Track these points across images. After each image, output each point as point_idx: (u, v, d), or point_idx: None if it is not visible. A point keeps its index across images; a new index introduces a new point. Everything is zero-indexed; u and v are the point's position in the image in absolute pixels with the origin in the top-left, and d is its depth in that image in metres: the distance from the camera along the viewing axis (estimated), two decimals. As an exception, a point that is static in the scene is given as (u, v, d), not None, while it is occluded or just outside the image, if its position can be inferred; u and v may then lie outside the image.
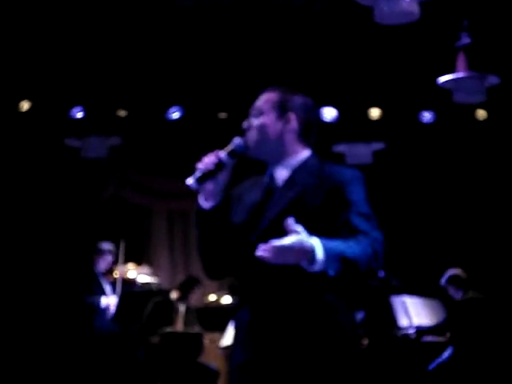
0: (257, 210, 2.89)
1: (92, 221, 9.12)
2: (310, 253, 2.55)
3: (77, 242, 8.91)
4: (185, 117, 8.24)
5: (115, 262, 8.26)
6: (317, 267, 2.56)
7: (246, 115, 3.03)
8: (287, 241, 2.52)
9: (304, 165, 2.94)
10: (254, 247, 2.62)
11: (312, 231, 2.65)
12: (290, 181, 2.90)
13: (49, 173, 8.66)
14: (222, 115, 8.39)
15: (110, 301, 7.97)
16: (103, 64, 7.47)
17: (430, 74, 7.27)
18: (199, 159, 2.90)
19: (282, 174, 2.93)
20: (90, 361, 7.83)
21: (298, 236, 2.54)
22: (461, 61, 6.88)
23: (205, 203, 2.87)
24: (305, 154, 2.97)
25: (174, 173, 9.12)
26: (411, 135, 8.87)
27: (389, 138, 8.86)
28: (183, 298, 8.02)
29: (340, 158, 8.79)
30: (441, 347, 7.99)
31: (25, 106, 7.87)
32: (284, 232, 2.61)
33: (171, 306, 7.94)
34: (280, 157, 2.94)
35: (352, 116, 8.33)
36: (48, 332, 8.43)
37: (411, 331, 7.99)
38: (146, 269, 8.38)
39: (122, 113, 8.14)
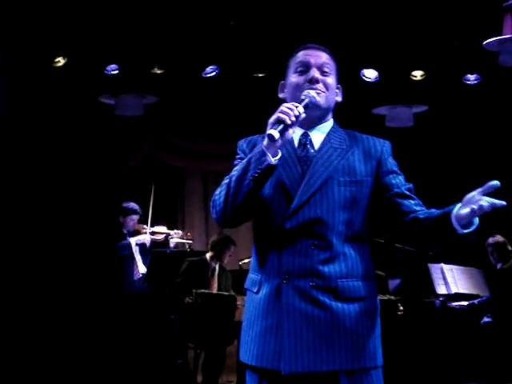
0: (296, 176, 2.79)
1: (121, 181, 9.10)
2: None
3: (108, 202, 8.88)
4: (221, 76, 8.11)
5: (143, 222, 8.23)
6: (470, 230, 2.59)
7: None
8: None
9: (334, 130, 2.89)
10: (296, 215, 2.70)
11: (357, 198, 2.75)
12: (327, 145, 2.83)
13: (82, 129, 8.59)
14: (259, 75, 8.24)
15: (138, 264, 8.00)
16: (140, 21, 7.35)
17: (475, 36, 7.07)
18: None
19: (317, 138, 2.86)
20: (122, 321, 7.85)
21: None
22: (507, 22, 6.68)
23: (271, 158, 2.64)
24: (332, 121, 2.93)
25: (209, 134, 9.03)
26: (455, 98, 8.66)
27: (431, 101, 8.66)
28: (216, 257, 7.95)
29: (380, 121, 8.63)
30: (479, 315, 7.91)
31: (60, 61, 7.77)
32: (330, 199, 2.70)
33: (206, 267, 7.90)
34: (320, 122, 2.88)
35: (393, 78, 8.13)
36: (80, 293, 8.43)
37: (457, 304, 7.91)
38: (176, 232, 8.33)
39: (158, 71, 8.02)
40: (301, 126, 2.83)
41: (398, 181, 2.82)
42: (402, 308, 7.51)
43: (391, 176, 2.82)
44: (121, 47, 7.72)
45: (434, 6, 7.20)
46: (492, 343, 7.61)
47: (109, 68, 7.87)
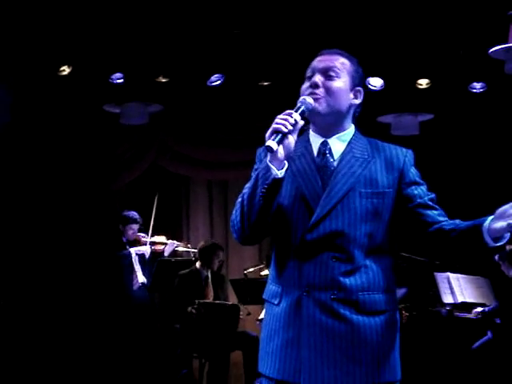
0: (316, 187, 2.73)
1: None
2: None
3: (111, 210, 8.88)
4: (226, 85, 8.10)
5: (143, 232, 8.24)
6: (502, 243, 2.57)
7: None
8: None
9: (356, 138, 2.81)
10: (317, 227, 2.66)
11: (379, 209, 2.71)
12: (348, 155, 2.77)
13: (87, 138, 8.59)
14: (264, 83, 8.23)
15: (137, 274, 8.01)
16: (144, 29, 7.35)
17: (481, 44, 7.05)
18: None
19: (337, 147, 2.79)
20: (124, 331, 7.85)
21: None
22: (513, 30, 6.65)
23: (276, 171, 2.59)
24: (353, 129, 2.85)
25: (214, 142, 9.02)
26: (461, 106, 8.64)
27: (437, 109, 8.64)
28: (206, 265, 7.92)
29: (385, 129, 8.61)
30: (486, 325, 7.86)
31: (65, 70, 7.77)
32: (352, 211, 2.66)
33: (198, 277, 7.87)
34: (338, 130, 2.80)
35: (399, 86, 8.11)
36: (81, 302, 8.42)
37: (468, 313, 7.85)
38: (172, 242, 8.35)
39: (163, 79, 8.01)
40: (319, 134, 2.80)
41: (421, 191, 2.78)
42: (406, 314, 7.48)
43: (413, 187, 2.78)
44: (126, 56, 7.71)
45: (439, 14, 7.18)
46: (499, 353, 7.57)
47: (113, 77, 7.85)
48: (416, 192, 2.77)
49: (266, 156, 2.63)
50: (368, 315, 2.68)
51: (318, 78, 2.74)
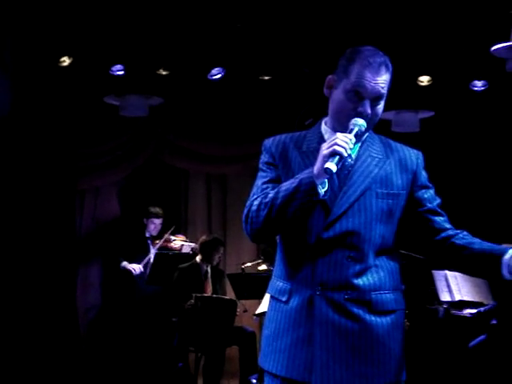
0: (333, 186, 2.71)
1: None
2: None
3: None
4: (226, 79, 8.07)
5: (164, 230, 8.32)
6: None
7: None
8: None
9: (370, 137, 2.83)
10: (334, 226, 2.65)
11: (393, 210, 2.72)
12: (364, 154, 2.77)
13: (86, 130, 8.56)
14: (265, 78, 8.20)
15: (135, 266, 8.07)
16: (145, 22, 7.32)
17: (482, 42, 7.03)
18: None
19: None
20: (127, 324, 7.88)
21: None
22: (516, 28, 6.63)
23: (321, 190, 2.60)
24: None
25: (214, 136, 9.00)
26: (461, 104, 8.62)
27: (438, 107, 8.62)
28: (206, 260, 7.94)
29: (386, 126, 8.58)
30: (483, 323, 7.85)
31: (66, 61, 7.74)
32: (368, 211, 2.66)
33: (198, 271, 7.88)
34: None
35: (400, 83, 8.08)
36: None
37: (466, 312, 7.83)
38: (190, 244, 8.45)
39: (164, 72, 7.98)
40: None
41: (430, 195, 2.82)
42: (407, 323, 7.47)
43: (424, 190, 2.81)
44: (126, 48, 7.68)
45: (441, 11, 7.15)
46: (495, 353, 7.56)
47: (114, 68, 7.82)
48: (426, 196, 2.80)
49: (310, 171, 2.61)
50: (380, 315, 2.70)
51: (369, 107, 2.72)
